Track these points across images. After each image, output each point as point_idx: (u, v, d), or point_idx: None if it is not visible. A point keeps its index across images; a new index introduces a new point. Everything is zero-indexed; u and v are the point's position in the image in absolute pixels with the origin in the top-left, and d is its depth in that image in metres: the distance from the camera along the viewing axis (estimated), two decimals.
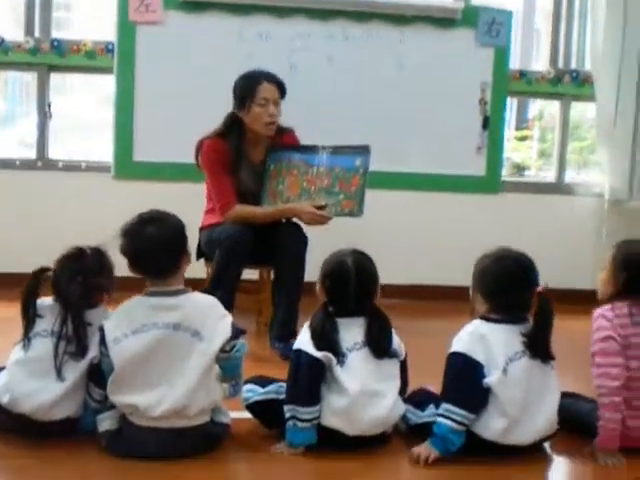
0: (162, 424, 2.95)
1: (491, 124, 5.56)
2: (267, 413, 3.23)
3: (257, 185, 4.54)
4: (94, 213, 4.90)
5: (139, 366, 2.97)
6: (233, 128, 4.47)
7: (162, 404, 2.93)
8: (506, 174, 6.33)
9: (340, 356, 3.09)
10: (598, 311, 3.25)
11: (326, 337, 3.11)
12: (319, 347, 3.08)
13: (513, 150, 7.05)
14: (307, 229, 4.43)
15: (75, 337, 3.08)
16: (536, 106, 7.12)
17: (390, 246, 5.35)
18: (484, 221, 5.50)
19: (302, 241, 4.40)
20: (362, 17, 5.36)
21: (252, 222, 4.40)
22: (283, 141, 4.59)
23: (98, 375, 3.06)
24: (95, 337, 3.08)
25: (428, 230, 5.70)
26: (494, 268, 3.18)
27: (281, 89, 4.46)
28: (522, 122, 7.35)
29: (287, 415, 3.08)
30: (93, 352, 3.08)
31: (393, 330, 3.24)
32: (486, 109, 5.54)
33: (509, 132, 6.83)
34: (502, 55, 5.51)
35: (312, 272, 3.53)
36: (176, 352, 2.98)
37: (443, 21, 5.40)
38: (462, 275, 3.38)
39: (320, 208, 4.37)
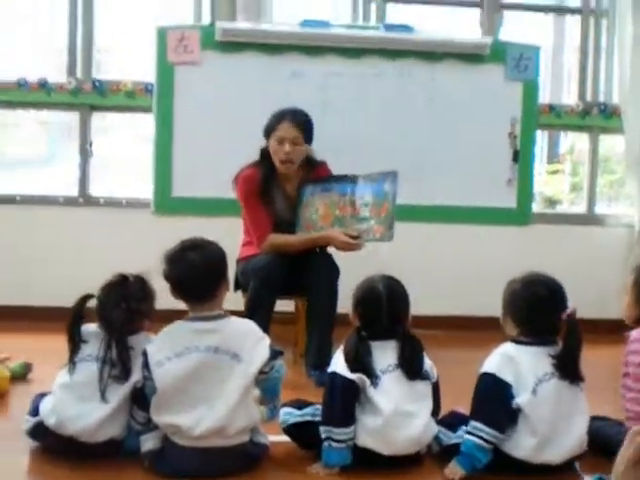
0: (203, 444, 3.05)
1: (521, 157, 5.63)
2: (304, 435, 3.32)
3: (291, 215, 4.66)
4: (135, 247, 5.02)
5: (181, 388, 3.08)
6: (265, 161, 4.61)
7: (202, 424, 3.04)
8: (538, 208, 6.42)
9: (374, 378, 3.19)
10: (634, 334, 3.32)
11: (360, 360, 3.21)
12: (353, 369, 3.18)
13: (545, 184, 7.12)
14: (338, 259, 4.54)
15: (119, 361, 3.21)
16: (567, 141, 7.20)
17: (421, 278, 5.39)
18: (515, 252, 5.57)
19: (334, 271, 4.50)
20: (393, 55, 5.46)
21: (287, 250, 4.52)
22: (316, 174, 4.71)
23: (141, 398, 3.18)
24: (138, 361, 3.20)
25: (460, 262, 5.77)
26: (524, 292, 3.27)
27: (303, 129, 4.55)
28: (553, 156, 7.42)
29: (323, 436, 3.18)
30: (136, 376, 3.21)
31: (424, 353, 3.34)
32: (516, 142, 5.62)
33: (541, 166, 6.91)
34: (531, 89, 5.60)
35: (344, 302, 3.64)
36: (216, 374, 3.09)
37: (472, 57, 5.50)
38: (494, 306, 3.44)
39: (353, 237, 4.49)
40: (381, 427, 3.15)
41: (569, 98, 6.33)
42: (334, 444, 3.15)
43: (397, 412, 3.16)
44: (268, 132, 4.55)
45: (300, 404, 3.40)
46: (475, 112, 5.55)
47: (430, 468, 3.27)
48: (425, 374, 3.30)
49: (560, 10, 6.88)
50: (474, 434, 3.11)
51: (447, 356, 3.80)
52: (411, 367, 3.26)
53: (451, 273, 5.77)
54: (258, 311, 4.30)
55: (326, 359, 3.90)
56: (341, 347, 3.31)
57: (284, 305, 4.96)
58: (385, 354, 3.26)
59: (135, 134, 6.63)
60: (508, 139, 5.62)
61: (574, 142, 6.97)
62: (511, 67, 5.56)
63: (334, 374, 3.23)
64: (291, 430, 3.34)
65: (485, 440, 3.09)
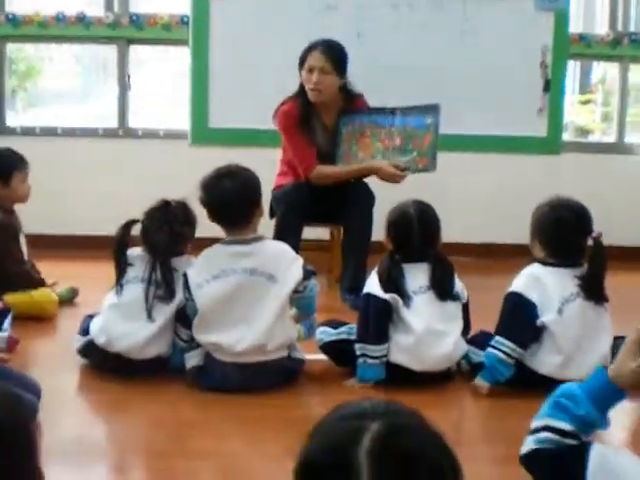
0: (243, 359, 3.25)
1: (552, 86, 5.68)
2: (339, 352, 3.50)
3: (330, 147, 4.74)
4: (173, 177, 5.13)
5: (220, 308, 3.27)
6: (304, 93, 4.68)
7: (243, 342, 3.23)
8: (570, 138, 6.48)
9: (406, 298, 3.35)
10: None
11: (393, 280, 3.36)
12: (386, 290, 3.34)
13: (577, 114, 7.15)
14: (374, 188, 4.66)
15: (164, 282, 3.40)
16: (599, 70, 7.21)
17: (452, 206, 5.51)
18: (545, 181, 5.64)
19: (370, 199, 4.62)
20: None
21: (334, 180, 4.65)
22: (354, 106, 4.77)
23: (184, 317, 3.37)
24: (180, 282, 3.38)
25: (491, 190, 5.85)
26: (551, 215, 3.39)
27: (333, 59, 4.60)
28: (585, 87, 7.42)
29: (358, 353, 3.35)
30: (180, 296, 3.39)
31: (455, 275, 3.48)
32: (547, 72, 5.66)
33: (573, 97, 6.94)
34: (562, 19, 5.61)
35: (379, 230, 3.77)
36: (253, 294, 3.27)
37: None
38: (524, 233, 3.55)
39: (399, 169, 4.62)
40: (413, 345, 3.31)
41: (601, 28, 6.34)
42: (369, 360, 3.32)
43: (428, 331, 3.32)
44: (301, 62, 4.64)
45: (335, 323, 3.58)
46: (506, 42, 5.58)
47: (459, 384, 3.45)
48: (456, 295, 3.45)
49: None
50: (497, 348, 3.27)
51: (477, 282, 3.93)
52: (442, 288, 3.41)
53: (482, 201, 5.86)
54: (286, 236, 4.34)
55: (360, 284, 4.05)
56: (375, 269, 3.46)
57: (320, 233, 5.12)
58: (417, 276, 3.41)
59: (172, 67, 6.73)
60: (539, 69, 5.66)
61: (606, 72, 6.98)
62: None
63: (368, 294, 3.40)
64: (327, 348, 3.52)
65: (507, 354, 3.25)
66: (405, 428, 1.10)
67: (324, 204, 4.62)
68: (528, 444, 1.92)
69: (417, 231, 3.44)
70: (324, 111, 4.75)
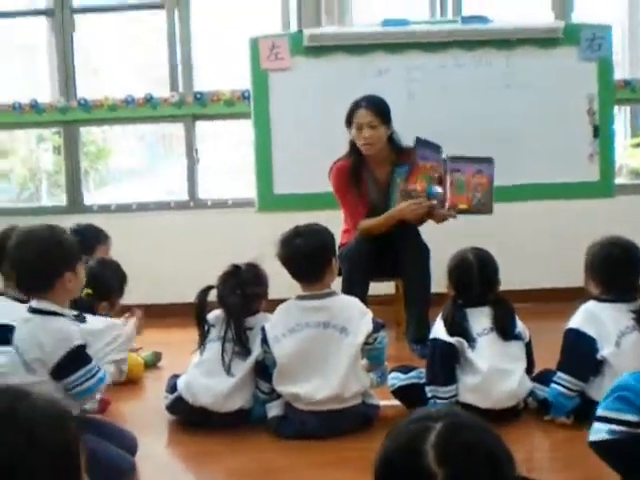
0: (321, 407, 3.46)
1: (601, 131, 5.82)
2: (410, 396, 3.69)
3: (383, 200, 4.92)
4: (242, 243, 5.34)
5: (297, 360, 3.50)
6: (354, 151, 4.92)
7: (320, 392, 3.46)
8: (624, 180, 6.63)
9: (471, 340, 3.55)
10: None
11: (457, 324, 3.57)
12: (452, 334, 3.55)
13: (629, 157, 7.27)
14: (432, 240, 4.84)
15: (238, 340, 3.64)
16: None
17: (510, 254, 5.67)
18: (600, 224, 5.69)
19: (423, 252, 4.78)
20: (471, 45, 5.73)
21: (375, 231, 4.80)
22: (407, 157, 4.92)
23: (264, 371, 3.61)
24: (257, 339, 3.63)
25: (547, 236, 6.00)
26: (602, 253, 3.58)
27: (378, 112, 4.83)
28: (636, 129, 7.54)
29: (429, 395, 3.55)
30: (256, 352, 3.63)
31: (516, 316, 3.67)
32: (595, 118, 5.82)
33: (624, 140, 7.08)
34: (606, 66, 5.79)
35: (438, 283, 3.96)
36: (327, 347, 3.50)
37: (546, 41, 5.73)
38: (581, 277, 3.71)
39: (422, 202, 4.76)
40: (480, 384, 3.50)
41: None
42: (439, 402, 3.51)
43: (493, 370, 3.51)
44: (348, 122, 4.88)
45: (406, 369, 3.79)
46: (552, 94, 5.75)
47: (527, 419, 3.62)
48: (518, 335, 3.64)
49: None
50: (559, 383, 3.47)
51: (538, 325, 4.08)
52: (504, 329, 3.60)
53: (539, 247, 6.01)
54: (353, 291, 4.45)
55: (425, 333, 4.20)
56: (440, 315, 3.66)
57: (385, 287, 5.32)
58: (480, 319, 3.62)
59: (236, 139, 7.03)
60: (587, 116, 5.83)
61: None
62: (584, 47, 5.77)
63: (435, 339, 3.61)
64: (399, 392, 3.72)
65: (568, 388, 3.44)
66: (465, 425, 1.32)
67: (386, 259, 4.80)
68: (599, 433, 2.01)
69: (477, 275, 3.65)
70: (375, 165, 4.95)
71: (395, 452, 1.32)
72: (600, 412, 1.90)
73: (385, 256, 4.80)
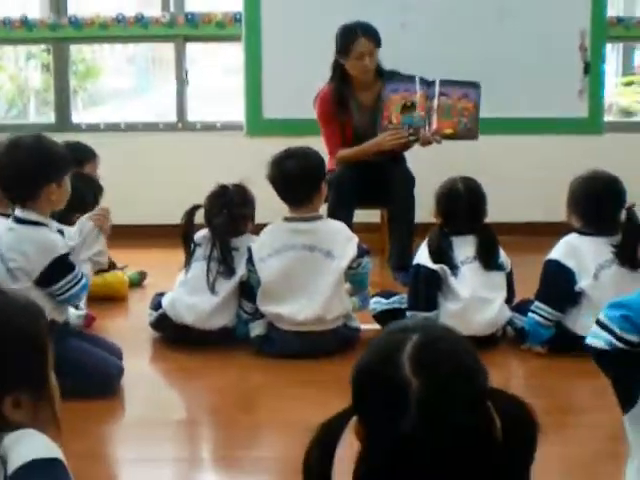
0: (304, 328, 3.53)
1: (592, 68, 5.82)
2: (392, 320, 3.73)
3: (370, 125, 4.84)
4: (230, 167, 5.33)
5: (281, 281, 3.56)
6: (339, 76, 4.85)
7: (303, 313, 3.52)
8: (614, 119, 6.64)
9: (454, 268, 3.60)
10: None
11: (441, 252, 3.61)
12: (435, 261, 3.59)
13: (619, 95, 7.28)
14: (418, 170, 4.83)
15: (223, 260, 3.69)
16: None
17: (495, 187, 5.72)
18: (588, 160, 5.71)
19: (408, 181, 4.76)
20: None
21: (353, 161, 4.77)
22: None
23: (248, 291, 3.66)
24: (242, 259, 3.67)
25: (534, 170, 5.98)
26: (585, 188, 3.63)
27: (376, 39, 4.75)
28: (629, 68, 7.53)
29: None
30: (240, 272, 3.68)
31: (499, 246, 3.72)
32: (586, 55, 5.82)
33: (615, 78, 7.08)
34: (599, 2, 5.77)
35: (422, 213, 3.99)
36: (312, 269, 3.56)
37: None
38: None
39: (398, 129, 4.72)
40: (460, 311, 3.56)
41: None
42: None
43: (474, 298, 3.57)
44: (345, 51, 4.76)
45: (388, 294, 3.85)
46: (545, 26, 5.72)
47: (505, 347, 3.71)
48: (500, 265, 3.69)
49: None
50: (536, 312, 3.54)
51: (523, 258, 4.15)
52: (487, 258, 3.65)
53: (525, 181, 6.01)
54: (338, 218, 4.33)
55: (407, 262, 4.24)
56: (424, 242, 3.71)
57: (371, 215, 5.36)
58: (464, 247, 3.66)
59: (226, 62, 7.01)
60: (578, 52, 5.83)
61: None
62: None
63: (418, 265, 3.66)
64: (380, 316, 3.78)
65: (545, 318, 3.51)
66: (440, 338, 1.36)
67: (372, 186, 4.75)
68: (598, 338, 1.94)
69: (464, 204, 3.69)
70: (361, 89, 4.88)
71: (372, 362, 1.36)
72: (605, 320, 1.91)
73: (371, 183, 4.76)
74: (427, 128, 4.75)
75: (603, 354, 1.90)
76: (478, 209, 3.73)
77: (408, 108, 4.78)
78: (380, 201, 4.97)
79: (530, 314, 3.55)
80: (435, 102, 4.77)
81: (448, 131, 4.76)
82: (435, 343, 1.35)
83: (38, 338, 1.53)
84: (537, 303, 3.54)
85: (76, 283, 3.16)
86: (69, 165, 3.25)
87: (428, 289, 3.61)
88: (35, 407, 1.49)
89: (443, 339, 1.36)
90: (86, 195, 4.02)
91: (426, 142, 4.74)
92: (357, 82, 4.87)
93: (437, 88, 4.79)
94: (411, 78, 4.83)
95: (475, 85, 4.82)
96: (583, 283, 3.47)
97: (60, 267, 3.13)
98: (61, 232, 3.26)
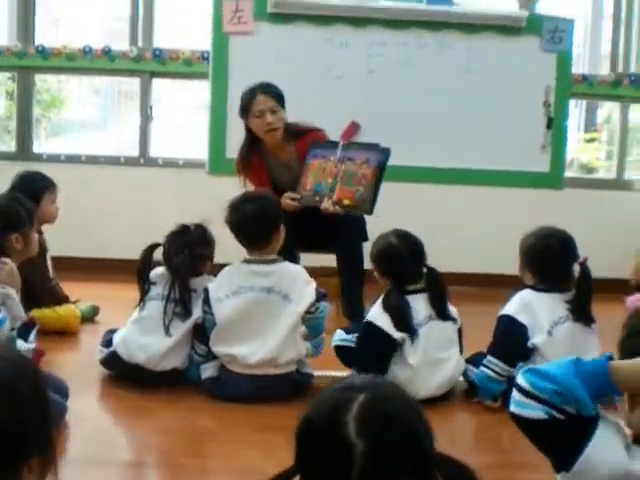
0: (256, 371, 3.49)
1: (555, 124, 5.91)
2: (349, 356, 3.68)
3: (292, 182, 4.79)
4: (191, 204, 5.33)
5: (237, 322, 3.52)
6: (249, 138, 4.85)
7: (256, 355, 3.48)
8: (575, 174, 6.72)
9: (414, 334, 3.52)
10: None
11: (403, 318, 3.52)
12: (399, 328, 3.50)
13: (581, 152, 7.35)
14: (372, 225, 4.73)
15: (181, 301, 3.64)
16: (604, 110, 7.43)
17: (455, 237, 5.79)
18: (547, 215, 5.79)
19: (356, 228, 4.68)
20: (434, 26, 5.77)
21: None
22: (308, 140, 4.83)
23: (202, 333, 3.62)
24: (199, 301, 3.64)
25: (493, 223, 6.02)
26: (538, 244, 3.62)
27: (277, 97, 4.74)
28: (590, 125, 7.62)
29: None
30: (197, 314, 3.64)
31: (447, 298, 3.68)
32: (550, 110, 5.90)
33: (578, 135, 7.15)
34: (565, 60, 5.87)
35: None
36: (268, 312, 3.53)
37: (509, 29, 5.79)
38: None
39: (294, 199, 4.66)
40: (411, 376, 3.47)
41: (605, 69, 6.60)
42: None
43: (427, 361, 3.52)
44: (245, 111, 4.77)
45: (349, 330, 3.80)
46: (511, 81, 5.82)
47: (456, 400, 3.68)
48: (453, 317, 3.67)
49: None
50: (488, 367, 3.51)
51: (475, 309, 4.14)
52: (441, 309, 3.61)
53: (485, 232, 6.04)
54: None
55: (357, 310, 4.28)
56: (382, 298, 3.60)
57: (329, 260, 5.34)
58: (419, 307, 3.58)
59: (192, 99, 7.00)
60: (542, 107, 5.90)
61: (611, 111, 7.19)
62: (547, 39, 5.83)
63: (371, 325, 3.56)
64: (339, 350, 3.74)
65: (497, 372, 3.49)
66: (386, 397, 1.34)
67: (317, 231, 4.67)
68: (533, 410, 1.85)
69: (405, 252, 3.63)
70: (276, 149, 4.87)
71: (317, 420, 1.34)
72: (534, 391, 1.84)
73: (317, 227, 4.66)
74: (331, 196, 4.64)
75: (538, 423, 1.85)
76: (419, 252, 3.67)
77: (322, 174, 4.71)
78: (327, 246, 4.85)
79: (482, 368, 3.53)
80: (339, 166, 4.67)
81: (346, 202, 4.61)
82: (382, 404, 1.33)
83: (44, 403, 1.49)
84: (489, 357, 3.53)
85: None
86: None
87: (382, 356, 3.52)
88: (43, 468, 1.47)
89: (389, 400, 1.35)
90: (20, 213, 3.93)
91: (325, 211, 4.61)
92: (267, 142, 4.84)
93: (341, 152, 4.70)
94: (334, 144, 4.80)
95: (380, 149, 4.64)
96: (536, 339, 3.46)
97: None
98: None
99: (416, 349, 3.53)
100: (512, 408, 1.89)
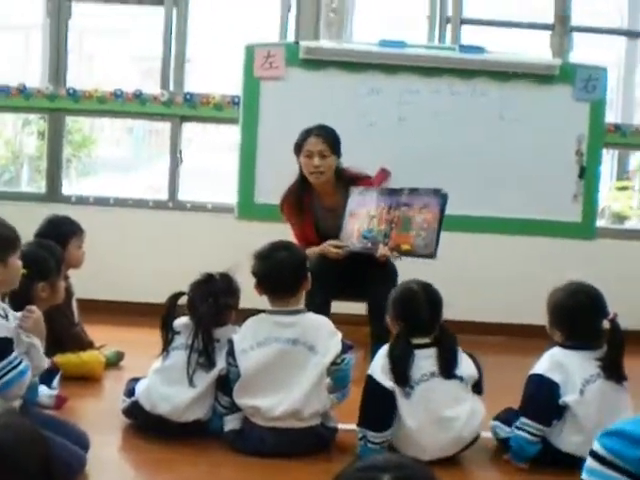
0: (279, 424, 3.42)
1: (587, 173, 5.85)
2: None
3: (335, 227, 4.80)
4: (219, 249, 5.31)
5: (262, 374, 3.45)
6: (301, 177, 4.88)
7: (280, 407, 3.41)
8: (607, 224, 6.64)
9: (408, 388, 3.39)
10: None
11: (401, 368, 3.40)
12: (396, 377, 3.39)
13: (614, 200, 7.28)
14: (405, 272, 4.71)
15: (205, 351, 3.59)
16: (637, 157, 7.35)
17: (488, 286, 5.71)
18: (579, 265, 5.74)
19: (390, 278, 4.58)
20: (467, 74, 5.75)
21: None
22: (360, 184, 4.85)
23: (226, 385, 3.55)
24: (222, 351, 3.58)
25: (526, 272, 5.96)
26: (566, 301, 3.55)
27: (329, 142, 4.75)
28: (623, 173, 7.54)
29: (359, 435, 3.43)
30: (221, 365, 3.58)
31: (463, 352, 3.56)
32: (582, 159, 5.84)
33: (610, 183, 7.08)
34: (598, 109, 5.83)
35: None
36: (294, 363, 3.46)
37: (542, 77, 5.76)
38: None
39: (338, 247, 4.67)
40: (413, 437, 3.37)
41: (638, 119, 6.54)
42: (369, 445, 3.38)
43: (431, 421, 3.40)
44: (298, 148, 4.81)
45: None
46: (543, 130, 5.78)
47: (486, 457, 3.58)
48: (460, 374, 3.50)
49: (629, 34, 6.98)
50: (523, 429, 3.41)
51: (507, 361, 4.07)
52: (448, 367, 3.47)
53: (514, 283, 5.97)
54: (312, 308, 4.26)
55: None
56: (384, 349, 3.51)
57: (358, 307, 5.28)
58: (425, 362, 3.46)
59: (222, 143, 7.00)
60: (575, 156, 5.84)
61: None
62: (579, 88, 5.79)
63: (370, 377, 3.44)
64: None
65: (532, 434, 3.39)
66: (411, 478, 1.28)
67: (350, 280, 4.67)
68: (596, 475, 1.74)
69: (423, 301, 3.53)
70: (324, 194, 4.89)
71: None
72: (612, 458, 1.69)
73: (349, 276, 4.67)
74: (386, 242, 4.61)
75: None
76: (437, 305, 3.57)
77: (371, 220, 4.70)
78: (359, 295, 4.80)
79: (516, 431, 3.43)
80: (395, 213, 4.64)
81: (405, 247, 4.57)
82: None
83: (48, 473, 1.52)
84: (523, 419, 3.43)
85: (10, 370, 2.96)
86: (13, 244, 3.13)
87: (379, 407, 3.40)
88: None
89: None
90: (48, 261, 3.92)
91: (382, 257, 4.60)
92: (319, 187, 4.85)
93: (394, 198, 4.67)
94: (373, 190, 4.79)
95: (439, 193, 4.57)
96: (569, 398, 3.38)
97: None
98: (5, 316, 3.11)
99: (416, 407, 3.40)
100: (584, 477, 1.78)
